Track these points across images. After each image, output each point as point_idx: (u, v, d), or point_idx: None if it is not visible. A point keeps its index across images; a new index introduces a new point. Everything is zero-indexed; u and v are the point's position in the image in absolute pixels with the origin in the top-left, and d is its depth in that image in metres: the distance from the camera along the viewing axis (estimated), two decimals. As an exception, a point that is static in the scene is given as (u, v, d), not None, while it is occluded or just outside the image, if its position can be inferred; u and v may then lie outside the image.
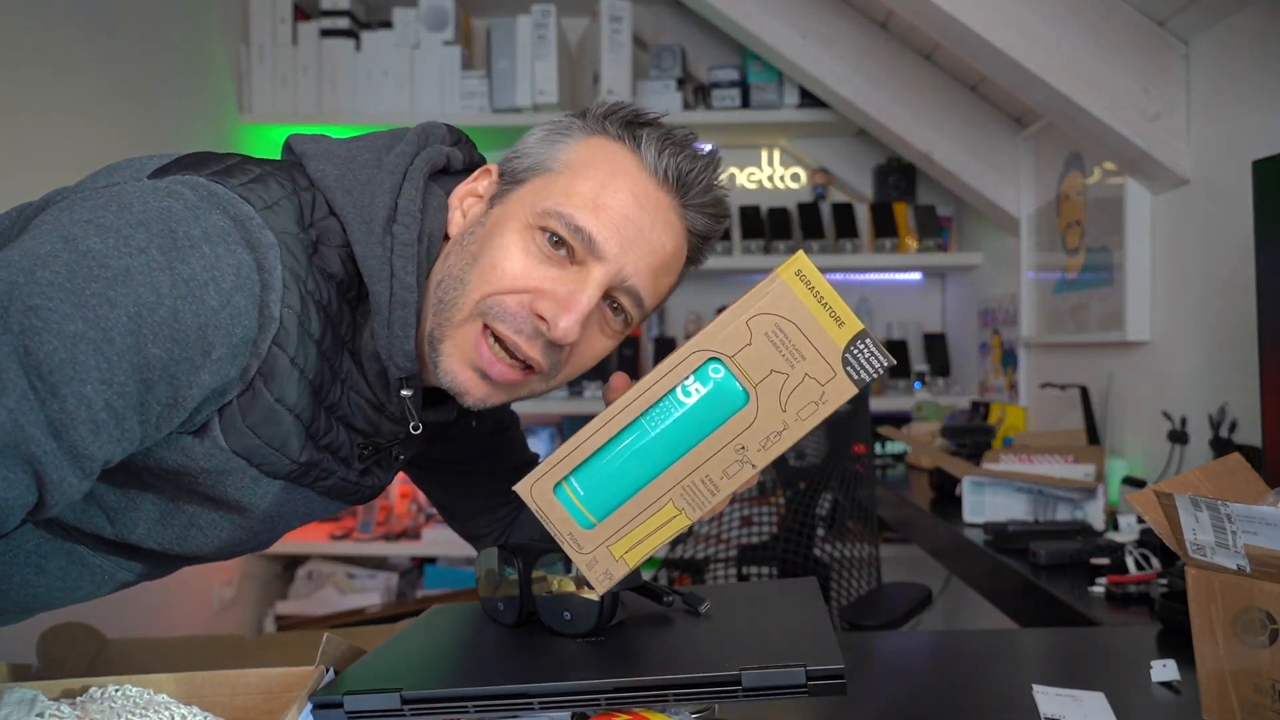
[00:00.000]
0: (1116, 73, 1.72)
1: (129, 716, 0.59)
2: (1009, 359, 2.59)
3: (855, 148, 3.03)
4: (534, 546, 0.75)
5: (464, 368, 0.74)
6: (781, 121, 2.84)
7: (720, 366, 0.66)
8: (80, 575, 0.76)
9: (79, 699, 0.62)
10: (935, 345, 2.94)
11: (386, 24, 2.80)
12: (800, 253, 0.66)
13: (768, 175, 3.12)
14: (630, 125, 0.76)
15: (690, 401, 0.66)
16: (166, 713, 0.60)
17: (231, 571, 2.70)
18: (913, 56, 2.47)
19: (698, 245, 0.80)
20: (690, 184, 0.76)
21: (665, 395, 0.67)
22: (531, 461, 1.04)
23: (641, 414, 0.67)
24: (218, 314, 0.62)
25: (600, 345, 0.77)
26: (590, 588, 0.70)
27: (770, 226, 2.89)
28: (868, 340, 0.64)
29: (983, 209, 2.62)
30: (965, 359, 2.93)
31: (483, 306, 0.72)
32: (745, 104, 2.83)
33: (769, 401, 0.65)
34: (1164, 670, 0.89)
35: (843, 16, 2.46)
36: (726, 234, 2.93)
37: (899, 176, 2.96)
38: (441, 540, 2.81)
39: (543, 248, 0.72)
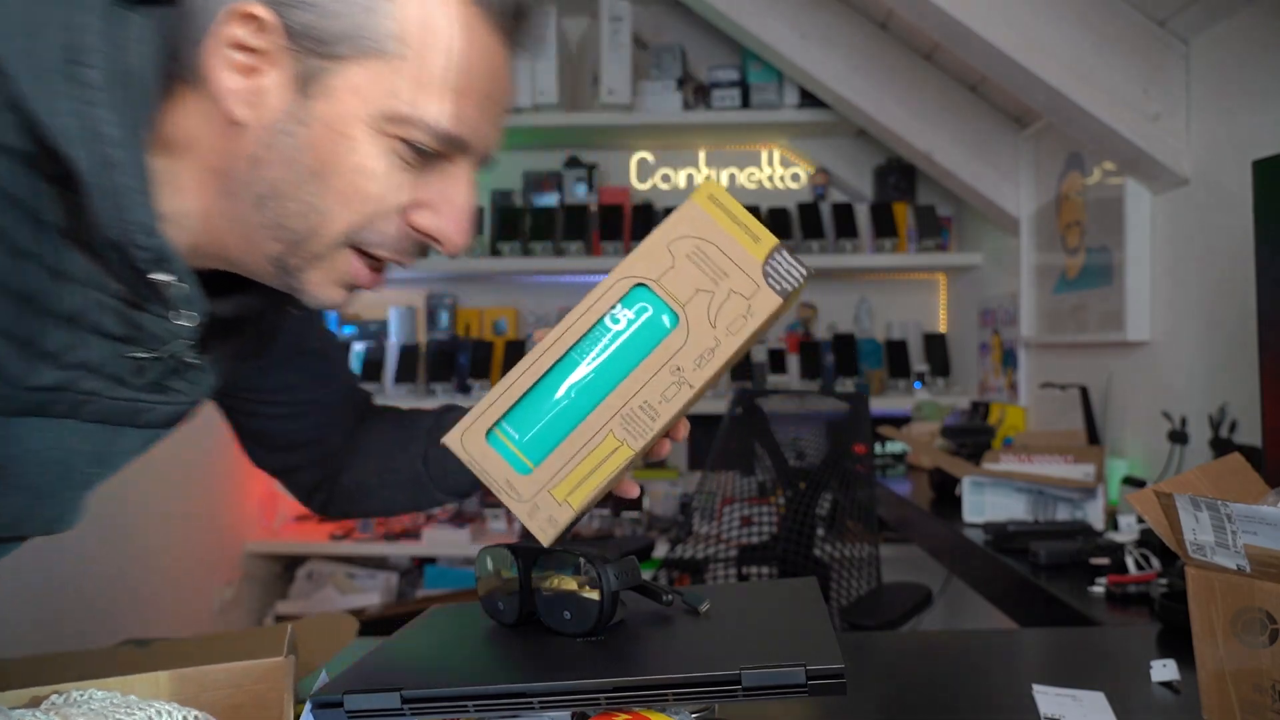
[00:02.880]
0: (1116, 73, 1.72)
1: (117, 715, 0.59)
2: (1009, 359, 2.59)
3: (855, 148, 3.03)
4: (534, 546, 0.75)
5: (333, 287, 0.65)
6: (781, 121, 2.84)
7: (646, 291, 0.66)
8: None
9: (43, 706, 0.61)
10: (935, 345, 2.94)
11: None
12: (709, 178, 0.65)
13: (768, 175, 3.12)
14: None
15: (619, 329, 0.66)
16: (141, 713, 0.60)
17: (232, 572, 2.71)
18: (913, 56, 2.47)
19: None
20: (527, 21, 0.65)
21: (594, 326, 0.66)
22: (355, 386, 0.95)
23: (571, 347, 0.66)
24: None
25: None
26: (591, 587, 0.70)
27: (770, 227, 2.88)
28: (783, 253, 0.66)
29: (983, 209, 2.62)
30: (965, 359, 2.93)
31: (354, 237, 0.62)
32: (745, 104, 2.83)
33: (699, 320, 0.65)
34: (1164, 670, 0.89)
35: (842, 16, 2.47)
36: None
37: (899, 176, 2.96)
38: (441, 540, 2.81)
39: (405, 156, 0.61)
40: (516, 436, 0.65)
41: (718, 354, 0.65)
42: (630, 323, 0.66)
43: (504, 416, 0.65)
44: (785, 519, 1.95)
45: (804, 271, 0.66)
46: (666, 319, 0.66)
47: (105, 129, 0.55)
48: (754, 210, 2.94)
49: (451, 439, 0.65)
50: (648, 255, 0.66)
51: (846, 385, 2.86)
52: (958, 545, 1.74)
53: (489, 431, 0.65)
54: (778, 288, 0.65)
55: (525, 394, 0.66)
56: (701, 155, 3.11)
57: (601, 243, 2.87)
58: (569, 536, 0.68)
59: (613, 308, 0.66)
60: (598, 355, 0.66)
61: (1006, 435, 2.29)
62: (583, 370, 0.66)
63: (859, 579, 1.93)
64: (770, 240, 0.66)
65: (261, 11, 0.57)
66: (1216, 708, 0.72)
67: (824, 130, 2.94)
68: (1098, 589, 1.30)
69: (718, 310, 0.65)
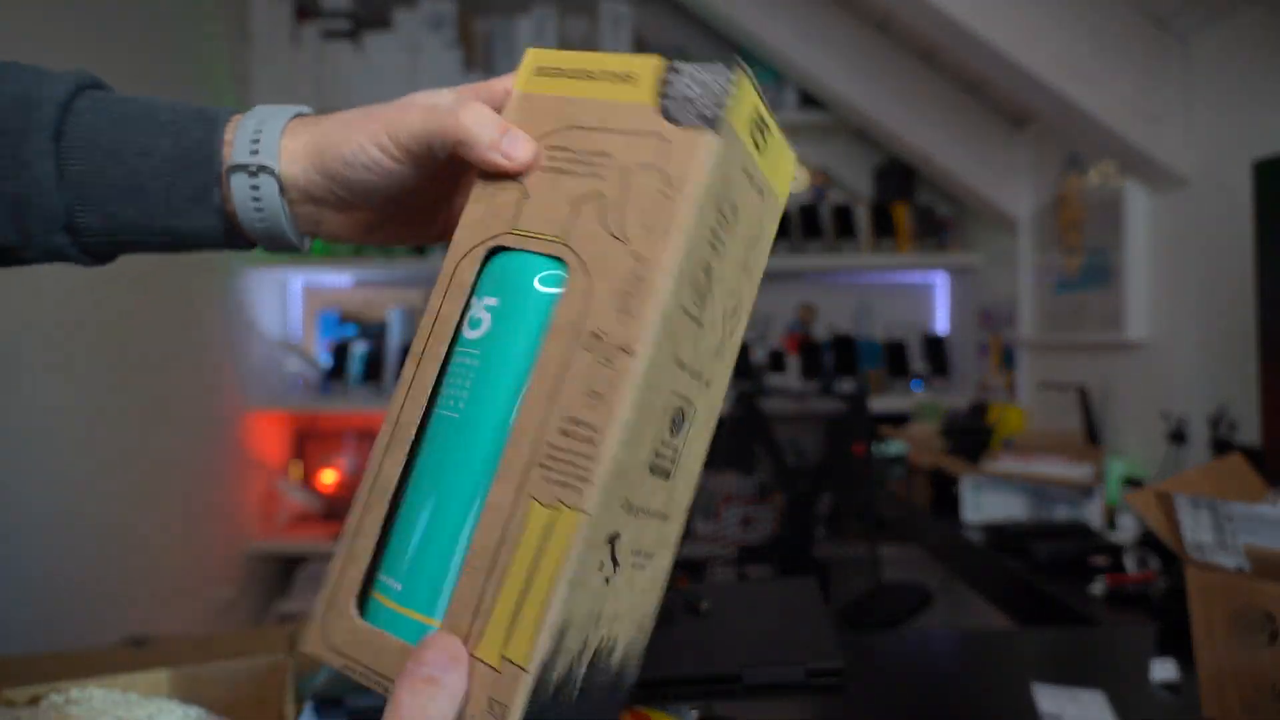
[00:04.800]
0: (1116, 73, 1.73)
1: (117, 714, 0.59)
2: (1008, 359, 2.60)
3: (855, 148, 3.03)
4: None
5: None
6: (781, 122, 2.82)
7: (510, 256, 0.39)
8: None
9: (42, 704, 0.61)
10: (934, 346, 2.95)
11: (387, 25, 2.81)
12: (529, 50, 0.43)
13: (767, 176, 3.12)
14: None
15: (480, 334, 0.39)
16: (141, 711, 0.60)
17: (232, 572, 2.70)
18: (911, 57, 2.47)
19: None
20: None
21: (451, 354, 0.39)
22: None
23: (435, 406, 0.39)
24: None
25: None
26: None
27: (770, 227, 2.89)
28: (683, 68, 0.39)
29: (982, 209, 2.62)
30: (964, 359, 2.93)
31: None
32: (745, 104, 2.83)
33: (596, 246, 0.37)
34: (1164, 670, 0.89)
35: (842, 17, 2.47)
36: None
37: (899, 177, 2.96)
38: (441, 540, 2.81)
39: None
40: (400, 588, 0.38)
41: (651, 276, 0.36)
42: (497, 316, 0.39)
43: (380, 564, 0.39)
44: (785, 519, 1.94)
45: (731, 76, 0.38)
46: (545, 278, 0.38)
47: None
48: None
49: (312, 642, 0.38)
50: (486, 199, 0.40)
51: (846, 385, 2.86)
52: (957, 545, 1.74)
53: (365, 599, 0.38)
54: (699, 116, 0.37)
55: (397, 511, 0.39)
56: (701, 155, 3.12)
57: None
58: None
59: (466, 311, 0.39)
60: (464, 395, 0.38)
61: (1006, 435, 2.29)
62: (453, 427, 0.38)
63: (859, 579, 1.93)
64: (651, 66, 0.39)
65: None
66: (1216, 708, 0.72)
67: (824, 131, 2.94)
68: (1097, 589, 1.30)
69: (623, 212, 0.37)
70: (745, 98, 0.39)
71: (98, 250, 0.47)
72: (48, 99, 0.43)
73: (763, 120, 0.41)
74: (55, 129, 0.43)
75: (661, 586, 0.39)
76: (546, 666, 0.33)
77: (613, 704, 0.37)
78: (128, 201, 0.44)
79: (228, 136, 0.44)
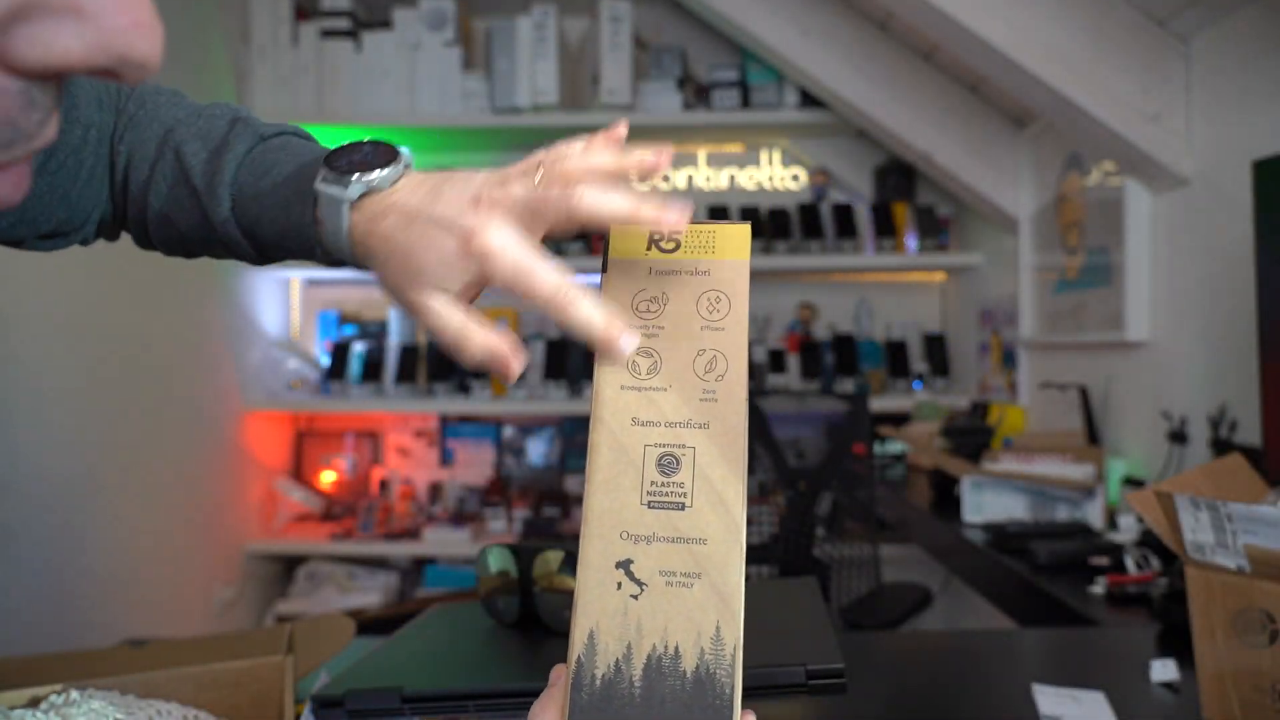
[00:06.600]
0: (1116, 73, 1.72)
1: (116, 715, 0.59)
2: (1009, 359, 2.59)
3: (855, 148, 3.03)
4: (535, 545, 0.75)
5: None
6: (781, 122, 2.84)
7: None
8: None
9: (42, 706, 0.61)
10: (935, 345, 2.95)
11: (386, 24, 2.81)
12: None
13: (767, 175, 3.12)
14: None
15: None
16: (141, 713, 0.60)
17: (232, 572, 2.70)
18: (912, 57, 2.47)
19: None
20: None
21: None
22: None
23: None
24: None
25: None
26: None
27: (770, 227, 2.89)
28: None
29: (982, 209, 2.62)
30: (965, 359, 2.93)
31: None
32: (745, 104, 2.83)
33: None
34: (1164, 670, 0.89)
35: (843, 16, 2.47)
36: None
37: (899, 176, 2.96)
38: (441, 540, 2.81)
39: None
40: None
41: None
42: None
43: None
44: (785, 519, 1.94)
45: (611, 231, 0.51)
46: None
47: None
48: (753, 211, 2.94)
49: None
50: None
51: (846, 385, 2.86)
52: (958, 545, 1.74)
53: None
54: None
55: None
56: (701, 155, 3.12)
57: (601, 242, 2.87)
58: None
59: None
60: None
61: (1006, 435, 2.29)
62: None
63: (859, 579, 1.93)
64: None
65: None
66: (1216, 708, 0.72)
67: (824, 130, 2.94)
68: (1097, 589, 1.30)
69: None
70: (621, 239, 0.51)
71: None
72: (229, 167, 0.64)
73: (658, 235, 0.51)
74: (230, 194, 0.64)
75: (728, 603, 0.42)
76: (583, 663, 0.41)
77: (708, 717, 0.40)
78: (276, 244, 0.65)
79: (319, 215, 0.59)
